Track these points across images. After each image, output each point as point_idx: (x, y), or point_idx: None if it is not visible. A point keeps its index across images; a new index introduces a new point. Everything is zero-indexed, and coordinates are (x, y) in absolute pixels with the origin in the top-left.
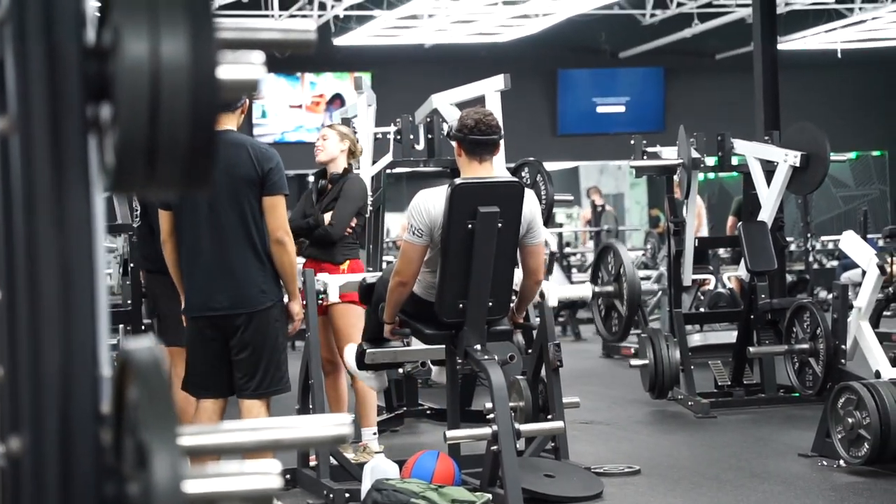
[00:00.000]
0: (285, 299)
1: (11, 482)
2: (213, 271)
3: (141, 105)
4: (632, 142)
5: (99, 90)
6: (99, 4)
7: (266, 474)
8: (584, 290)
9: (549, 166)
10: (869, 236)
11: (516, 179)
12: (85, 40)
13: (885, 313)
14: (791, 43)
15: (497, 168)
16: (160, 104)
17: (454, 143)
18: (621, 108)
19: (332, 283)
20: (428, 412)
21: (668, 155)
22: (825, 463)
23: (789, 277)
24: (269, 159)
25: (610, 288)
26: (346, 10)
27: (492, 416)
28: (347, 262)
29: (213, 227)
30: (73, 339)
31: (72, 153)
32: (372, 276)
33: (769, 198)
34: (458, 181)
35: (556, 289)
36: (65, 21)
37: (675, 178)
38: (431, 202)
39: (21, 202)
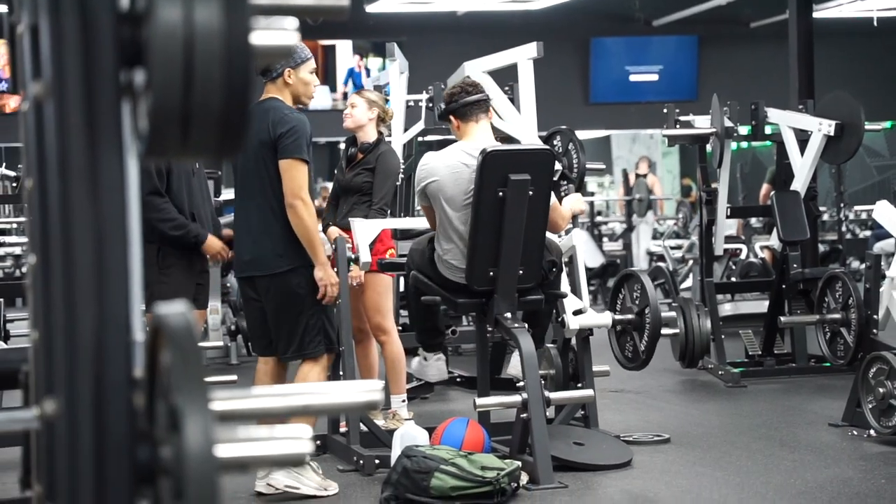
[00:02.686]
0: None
1: (46, 444)
2: (241, 234)
3: (175, 71)
4: (664, 110)
5: (132, 56)
6: None
7: (297, 439)
8: (605, 319)
9: (581, 135)
10: None
11: (547, 147)
12: (118, 6)
13: None
14: (826, 11)
15: (488, 135)
16: (194, 70)
17: (450, 119)
18: (654, 77)
19: (363, 243)
20: (458, 380)
21: (701, 124)
22: (855, 433)
23: (822, 247)
24: (284, 123)
25: (630, 316)
26: None
27: (522, 383)
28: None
29: (240, 190)
30: (106, 303)
31: (105, 118)
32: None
33: (802, 167)
34: (488, 148)
35: (575, 319)
36: None
37: (708, 147)
38: (434, 160)
39: (55, 167)
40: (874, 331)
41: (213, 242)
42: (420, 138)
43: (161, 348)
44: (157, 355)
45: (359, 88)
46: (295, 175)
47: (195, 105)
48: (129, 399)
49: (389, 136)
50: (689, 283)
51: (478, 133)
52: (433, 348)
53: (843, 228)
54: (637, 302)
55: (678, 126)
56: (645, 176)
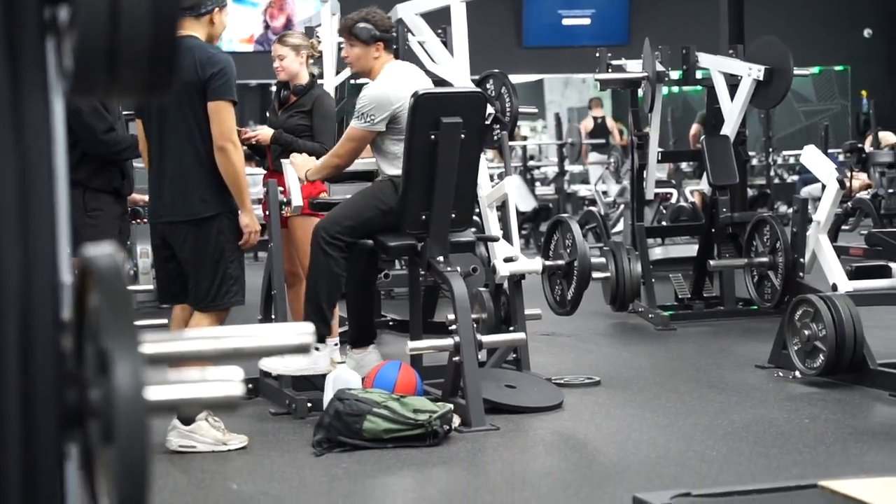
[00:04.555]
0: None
1: None
2: (158, 179)
3: (100, 6)
4: (597, 55)
5: None
6: None
7: (228, 381)
8: (535, 265)
9: (514, 79)
10: (830, 151)
11: (479, 90)
12: None
13: (842, 227)
14: None
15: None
16: (120, 5)
17: (373, 45)
18: (587, 21)
19: (295, 187)
20: (390, 323)
21: (633, 68)
22: (781, 374)
23: (750, 192)
24: (214, 64)
25: (560, 263)
26: None
27: (454, 327)
28: None
29: (159, 134)
30: (32, 245)
31: (29, 56)
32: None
33: (732, 112)
34: (420, 91)
35: (506, 265)
36: None
37: (640, 91)
38: (391, 89)
39: None
40: (800, 274)
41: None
42: (352, 80)
43: (89, 290)
44: (85, 297)
45: (278, 36)
46: (225, 117)
47: (122, 42)
48: (56, 341)
49: (320, 77)
50: (620, 227)
51: (404, 65)
52: (366, 342)
53: (772, 173)
54: (567, 248)
55: (610, 70)
56: (603, 118)
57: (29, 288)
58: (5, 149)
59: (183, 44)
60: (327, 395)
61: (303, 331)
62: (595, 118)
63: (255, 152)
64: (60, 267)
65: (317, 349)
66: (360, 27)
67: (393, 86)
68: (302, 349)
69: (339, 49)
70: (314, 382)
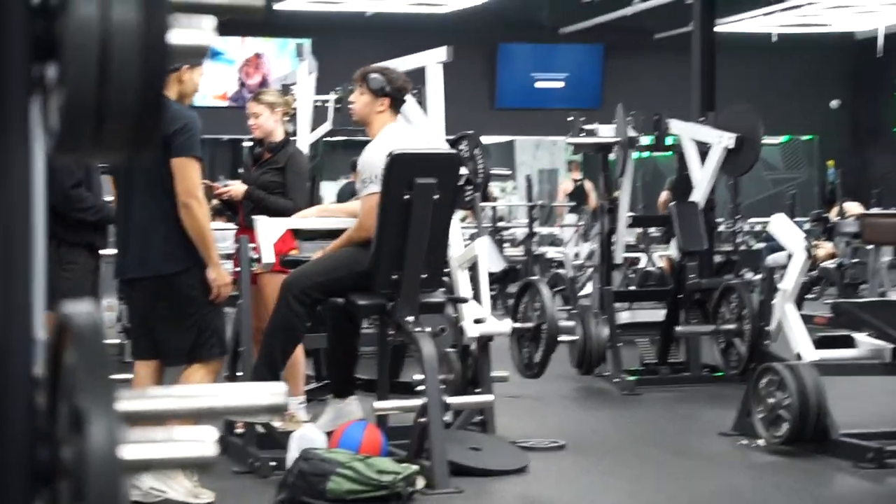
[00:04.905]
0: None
1: None
2: (125, 235)
3: (89, 67)
4: (570, 119)
5: (45, 50)
6: None
7: (202, 441)
8: (504, 327)
9: (486, 140)
10: (796, 219)
11: (454, 151)
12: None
13: (807, 296)
14: (728, 25)
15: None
16: (109, 67)
17: (381, 99)
18: (560, 84)
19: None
20: (357, 382)
21: (606, 133)
22: (745, 442)
23: (717, 258)
24: (177, 120)
25: (529, 325)
26: None
27: (422, 387)
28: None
29: (125, 191)
30: (11, 300)
31: (15, 113)
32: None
33: (702, 179)
34: (396, 151)
35: (475, 326)
36: None
37: (612, 155)
38: (389, 149)
39: None
40: (766, 342)
41: None
42: (326, 139)
43: (65, 347)
44: (60, 354)
45: (254, 94)
46: (189, 174)
47: (110, 102)
48: (30, 398)
49: (295, 135)
50: (588, 289)
51: (399, 128)
52: (347, 393)
53: (739, 240)
54: (537, 312)
55: (583, 134)
56: (582, 181)
57: (4, 343)
58: None
59: None
60: (291, 455)
61: (276, 391)
62: (575, 180)
63: (227, 208)
64: (35, 323)
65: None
66: (373, 77)
67: (390, 144)
68: (275, 409)
69: (315, 107)
70: (279, 441)
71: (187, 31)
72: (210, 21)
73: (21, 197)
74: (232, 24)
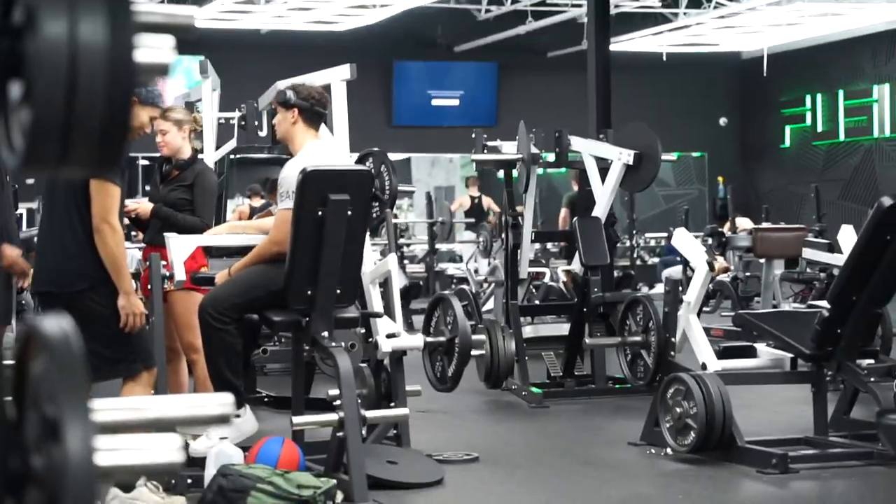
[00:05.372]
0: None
1: None
2: (42, 251)
3: (58, 85)
4: (472, 136)
5: (9, 68)
6: None
7: (169, 448)
8: (417, 341)
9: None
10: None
11: (366, 168)
12: None
13: (704, 309)
14: (620, 44)
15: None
16: (77, 85)
17: (290, 111)
18: (455, 102)
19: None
20: (266, 399)
21: (507, 150)
22: (653, 451)
23: (615, 273)
24: None
25: (442, 339)
26: None
27: (338, 402)
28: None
29: (47, 203)
30: None
31: None
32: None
33: (603, 194)
34: (309, 167)
35: (388, 341)
36: None
37: (515, 172)
38: (308, 165)
39: None
40: (672, 353)
41: (9, 249)
42: (232, 156)
43: (32, 357)
44: (26, 364)
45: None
46: (104, 198)
47: (77, 120)
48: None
49: (201, 152)
50: (490, 305)
51: (317, 143)
52: (239, 405)
53: (635, 255)
54: (448, 325)
55: (486, 151)
56: (480, 197)
57: None
58: None
59: None
60: (209, 472)
61: (224, 401)
62: (472, 197)
63: (136, 225)
64: None
65: (237, 416)
66: (283, 92)
67: (309, 160)
68: (222, 419)
69: (220, 124)
70: (194, 459)
71: (150, 51)
72: (170, 40)
73: None
74: None
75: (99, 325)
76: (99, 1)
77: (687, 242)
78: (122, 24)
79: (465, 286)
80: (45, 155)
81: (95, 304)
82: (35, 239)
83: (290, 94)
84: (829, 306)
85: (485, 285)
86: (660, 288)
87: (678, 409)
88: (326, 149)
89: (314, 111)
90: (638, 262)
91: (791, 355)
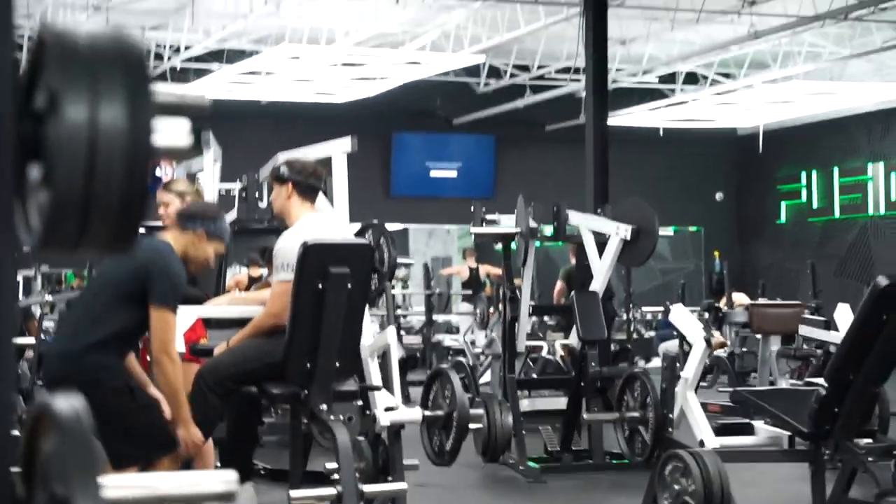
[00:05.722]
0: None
1: None
2: (68, 322)
3: (77, 169)
4: (471, 209)
5: (30, 151)
6: (28, 65)
7: None
8: (415, 415)
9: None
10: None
11: (367, 241)
12: (19, 103)
13: (701, 384)
14: (617, 119)
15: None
16: (96, 169)
17: (284, 185)
18: (453, 174)
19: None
20: (262, 472)
21: (506, 222)
22: None
23: (612, 346)
24: (160, 262)
25: (440, 413)
26: (183, 61)
27: (336, 476)
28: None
29: (94, 283)
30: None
31: (3, 213)
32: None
33: (601, 269)
34: (310, 241)
35: (387, 414)
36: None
37: (513, 245)
38: (305, 238)
39: None
40: (670, 429)
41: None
42: (232, 227)
43: (42, 436)
44: (37, 443)
45: (164, 183)
46: (166, 330)
47: (95, 203)
48: (10, 487)
49: None
50: (487, 377)
51: (321, 216)
52: (244, 480)
53: (631, 328)
54: (447, 400)
55: (484, 224)
56: (477, 269)
57: None
58: None
59: (154, 244)
60: None
61: (228, 478)
62: (470, 268)
63: None
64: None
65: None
66: (276, 168)
67: (305, 234)
68: (226, 497)
69: (221, 195)
70: None
71: (165, 133)
72: (186, 123)
73: (7, 297)
74: None
75: (119, 422)
76: (119, 87)
77: (684, 319)
78: (140, 109)
79: (462, 358)
80: (63, 236)
81: (118, 401)
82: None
83: (285, 170)
84: (826, 385)
85: (482, 357)
86: (657, 362)
87: (676, 487)
88: (322, 221)
89: (309, 185)
90: (635, 336)
91: (789, 433)
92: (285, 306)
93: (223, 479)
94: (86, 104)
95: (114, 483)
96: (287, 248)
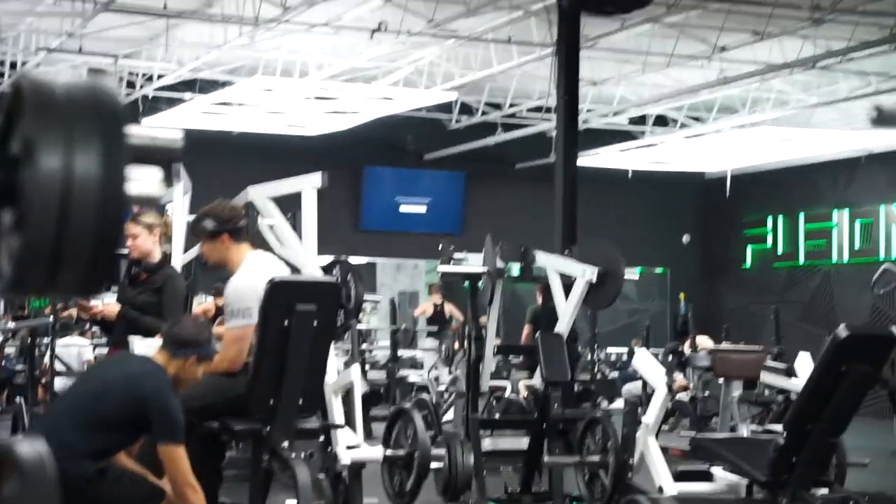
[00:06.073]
0: None
1: None
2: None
3: (50, 215)
4: (440, 246)
5: (3, 196)
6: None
7: None
8: (377, 453)
9: (350, 261)
10: (651, 350)
11: (333, 279)
12: None
13: (663, 427)
14: (587, 159)
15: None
16: (69, 216)
17: (218, 238)
18: (423, 209)
19: None
20: None
21: (473, 261)
22: None
23: (576, 386)
24: (157, 399)
25: (401, 453)
26: (156, 90)
27: None
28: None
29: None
30: None
31: None
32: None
33: (566, 310)
34: (276, 278)
35: (348, 452)
36: None
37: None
38: (256, 281)
39: None
40: (629, 474)
41: None
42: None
43: (4, 478)
44: None
45: (131, 215)
46: (179, 464)
47: (66, 249)
48: None
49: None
50: (450, 415)
51: (262, 256)
52: None
53: (595, 369)
54: (409, 439)
55: (452, 262)
56: (442, 305)
57: None
58: None
59: (148, 368)
60: None
61: None
62: (435, 304)
63: (101, 327)
64: None
65: None
66: (203, 224)
67: (255, 276)
68: None
69: (188, 227)
70: None
71: (138, 182)
72: (158, 172)
73: None
74: None
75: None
76: (94, 137)
77: (647, 364)
78: (115, 159)
79: (425, 395)
80: (33, 280)
81: (106, 491)
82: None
83: (211, 223)
84: (784, 433)
85: (445, 395)
86: (620, 402)
87: None
88: (265, 260)
89: (238, 228)
90: (598, 376)
91: (747, 481)
92: (240, 352)
93: None
94: (61, 153)
95: None
96: (239, 292)
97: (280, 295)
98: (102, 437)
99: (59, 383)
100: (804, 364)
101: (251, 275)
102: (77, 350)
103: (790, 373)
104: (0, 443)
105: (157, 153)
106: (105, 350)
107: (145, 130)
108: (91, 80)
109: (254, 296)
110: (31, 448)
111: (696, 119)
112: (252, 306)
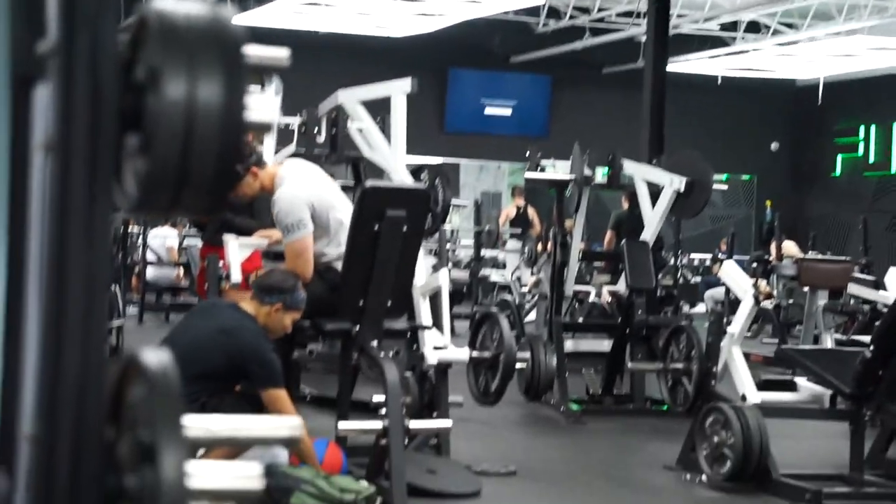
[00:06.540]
0: None
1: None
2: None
3: (175, 140)
4: (527, 153)
5: (129, 121)
6: (129, 40)
7: (251, 475)
8: (463, 355)
9: (434, 161)
10: (735, 257)
11: (423, 186)
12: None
13: (746, 334)
14: (676, 65)
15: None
16: (192, 142)
17: (249, 175)
18: (508, 112)
19: (235, 262)
20: (308, 399)
21: (560, 167)
22: (689, 476)
23: (658, 292)
24: (252, 350)
25: (487, 355)
26: None
27: (384, 410)
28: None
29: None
30: (91, 342)
31: (102, 177)
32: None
33: (652, 219)
34: (368, 184)
35: (435, 353)
36: (107, 58)
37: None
38: (297, 190)
39: (56, 219)
40: (713, 382)
41: None
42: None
43: (130, 384)
44: (124, 390)
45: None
46: (283, 404)
47: (189, 172)
48: (101, 432)
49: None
50: (532, 316)
51: (294, 164)
52: None
53: (678, 274)
54: (494, 341)
55: (539, 169)
56: (525, 207)
57: (84, 379)
58: (80, 260)
59: (238, 316)
60: None
61: (292, 425)
62: (518, 207)
63: (195, 224)
64: (105, 363)
65: None
66: (247, 159)
67: (294, 186)
68: (291, 442)
69: (279, 130)
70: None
71: (255, 110)
72: (273, 99)
73: (103, 255)
74: None
75: None
76: (216, 63)
77: (735, 275)
78: (235, 85)
79: (507, 296)
80: (158, 201)
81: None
82: None
83: (250, 156)
84: (871, 347)
85: (528, 296)
86: (702, 307)
87: (716, 438)
88: (294, 166)
89: (259, 155)
90: (681, 281)
91: (831, 392)
92: (306, 262)
93: (290, 426)
94: (184, 81)
95: (194, 424)
96: (285, 208)
97: (371, 200)
98: (201, 387)
99: (151, 272)
100: (894, 279)
101: (292, 187)
102: (163, 240)
103: (878, 286)
104: (126, 352)
105: (266, 71)
106: (192, 241)
107: (257, 50)
108: (212, 10)
109: (301, 205)
110: (156, 357)
111: (790, 26)
112: (303, 216)
